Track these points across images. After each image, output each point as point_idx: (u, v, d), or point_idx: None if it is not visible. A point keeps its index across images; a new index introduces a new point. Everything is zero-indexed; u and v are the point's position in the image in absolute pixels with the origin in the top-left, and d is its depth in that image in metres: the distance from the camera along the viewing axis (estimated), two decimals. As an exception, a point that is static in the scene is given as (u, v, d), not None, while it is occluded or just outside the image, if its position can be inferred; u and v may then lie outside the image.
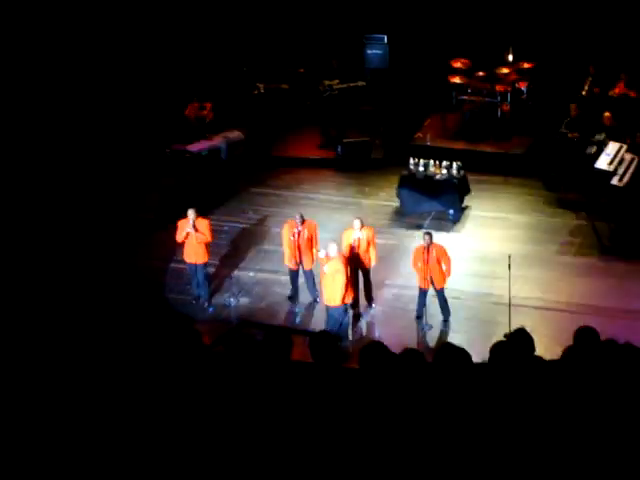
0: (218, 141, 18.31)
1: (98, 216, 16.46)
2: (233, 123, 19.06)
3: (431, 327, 13.62)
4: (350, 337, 13.40)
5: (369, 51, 20.27)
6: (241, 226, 16.58)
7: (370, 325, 14.01)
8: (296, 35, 20.16)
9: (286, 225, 14.22)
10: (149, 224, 16.54)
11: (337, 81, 19.21)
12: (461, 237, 15.89)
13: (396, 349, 6.78)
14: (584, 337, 6.91)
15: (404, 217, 16.49)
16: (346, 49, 19.91)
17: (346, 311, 13.23)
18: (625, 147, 15.97)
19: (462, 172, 16.41)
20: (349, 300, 13.24)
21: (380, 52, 20.22)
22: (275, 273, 14.98)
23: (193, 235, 13.96)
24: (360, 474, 5.89)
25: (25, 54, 17.91)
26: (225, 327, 13.61)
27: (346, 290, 13.05)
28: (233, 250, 15.84)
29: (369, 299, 14.15)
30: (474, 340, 12.50)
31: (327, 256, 13.10)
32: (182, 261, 14.53)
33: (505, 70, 18.79)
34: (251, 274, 15.13)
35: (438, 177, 16.35)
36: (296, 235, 13.97)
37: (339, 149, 18.58)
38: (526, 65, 18.87)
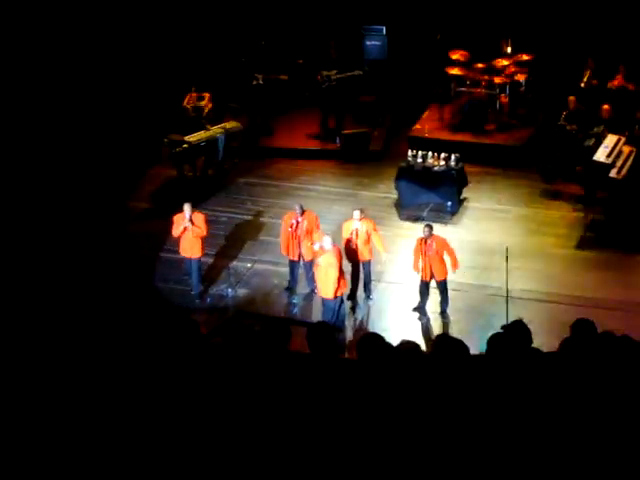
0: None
1: (94, 206, 16.41)
2: (231, 114, 19.09)
3: (428, 319, 13.66)
4: (347, 328, 13.43)
5: (368, 42, 20.24)
6: (239, 217, 16.58)
7: (368, 316, 14.02)
8: (295, 26, 20.13)
9: (286, 215, 14.24)
10: (145, 213, 16.53)
11: (335, 71, 19.18)
12: (459, 229, 15.90)
13: (394, 340, 6.81)
14: (581, 329, 6.94)
15: (402, 209, 16.51)
16: (344, 39, 19.88)
17: (342, 302, 13.24)
18: (623, 139, 15.95)
19: (460, 164, 16.41)
20: (342, 293, 13.23)
21: (379, 43, 20.20)
22: (273, 264, 14.99)
23: (190, 229, 14.00)
24: (358, 465, 5.91)
25: (21, 45, 17.84)
26: (222, 318, 13.64)
27: (338, 284, 13.01)
28: (231, 241, 15.83)
29: (367, 291, 14.16)
30: (471, 332, 12.54)
31: (322, 249, 13.11)
32: (178, 252, 14.54)
33: (504, 62, 18.75)
34: (249, 265, 15.14)
35: (436, 169, 16.35)
36: (294, 226, 13.98)
37: (338, 140, 18.58)
38: (525, 57, 18.84)
